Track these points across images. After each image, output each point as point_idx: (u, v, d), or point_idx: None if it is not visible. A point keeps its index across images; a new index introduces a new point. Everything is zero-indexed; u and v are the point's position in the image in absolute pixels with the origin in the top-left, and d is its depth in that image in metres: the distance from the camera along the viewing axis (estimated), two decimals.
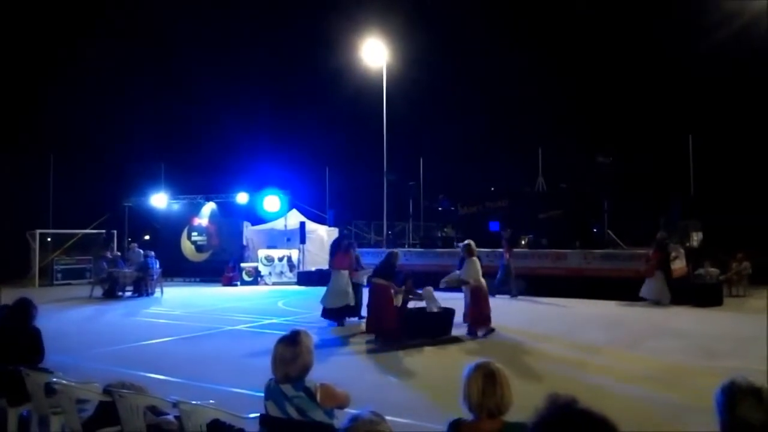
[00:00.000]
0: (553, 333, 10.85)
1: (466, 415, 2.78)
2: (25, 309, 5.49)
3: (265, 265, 21.83)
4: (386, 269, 10.52)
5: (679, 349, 9.25)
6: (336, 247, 12.60)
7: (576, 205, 19.33)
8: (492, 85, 36.02)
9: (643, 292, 14.53)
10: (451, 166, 26.27)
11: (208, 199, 24.31)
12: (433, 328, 10.25)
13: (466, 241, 11.17)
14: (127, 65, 37.44)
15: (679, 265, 16.63)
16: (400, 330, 9.95)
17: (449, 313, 10.53)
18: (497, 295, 14.59)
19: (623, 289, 15.00)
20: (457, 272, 11.00)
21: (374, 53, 23.50)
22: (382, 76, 23.50)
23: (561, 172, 23.34)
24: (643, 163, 23.98)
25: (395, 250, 11.70)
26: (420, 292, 10.83)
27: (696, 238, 18.44)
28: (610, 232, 18.81)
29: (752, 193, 22.91)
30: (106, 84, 36.83)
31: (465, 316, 10.60)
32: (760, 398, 2.19)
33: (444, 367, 8.05)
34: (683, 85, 28.97)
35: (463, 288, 10.75)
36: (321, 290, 18.88)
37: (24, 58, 33.96)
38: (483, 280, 10.74)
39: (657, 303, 14.19)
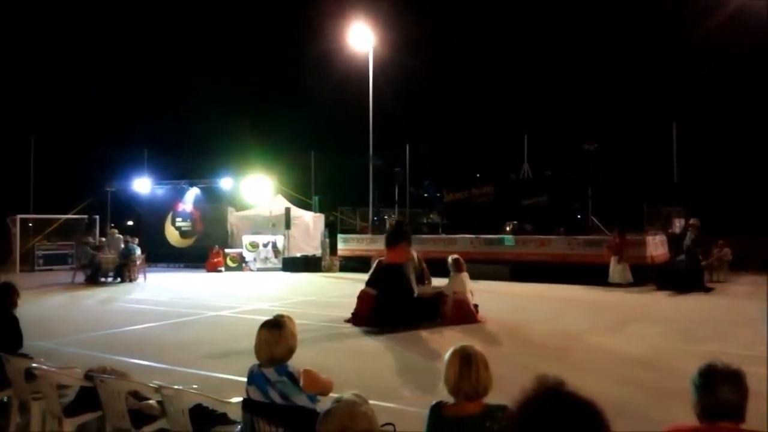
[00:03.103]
0: (537, 318, 10.94)
1: (449, 398, 2.80)
2: (7, 294, 5.39)
3: (249, 251, 21.75)
4: (375, 279, 10.56)
5: (661, 334, 9.37)
6: (401, 237, 10.34)
7: (561, 192, 19.45)
8: (478, 71, 36.02)
9: (610, 278, 15.20)
10: (436, 153, 26.25)
11: (191, 185, 24.14)
12: (422, 314, 10.19)
13: (454, 256, 11.07)
14: (110, 50, 36.91)
15: (662, 251, 16.86)
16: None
17: (437, 299, 10.54)
18: None
19: (607, 275, 15.22)
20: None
21: (361, 38, 23.34)
22: (368, 61, 23.35)
23: (546, 159, 23.45)
24: (627, 151, 24.15)
25: (383, 258, 10.94)
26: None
27: (678, 224, 18.64)
28: (594, 219, 18.96)
29: (734, 180, 23.19)
30: (89, 68, 36.31)
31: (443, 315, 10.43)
32: (737, 381, 2.22)
33: (428, 352, 8.09)
34: (668, 73, 29.17)
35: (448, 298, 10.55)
36: (305, 276, 19.01)
37: (5, 41, 33.30)
38: (470, 296, 10.52)
39: (620, 285, 14.88)
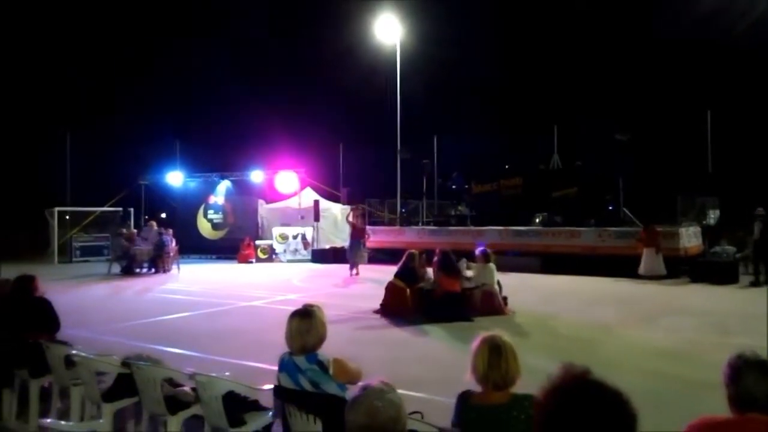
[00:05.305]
0: (567, 310, 10.85)
1: (476, 387, 2.82)
2: (25, 283, 5.66)
3: (279, 242, 21.99)
4: (406, 272, 10.65)
5: (693, 326, 9.23)
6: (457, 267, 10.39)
7: (591, 183, 19.17)
8: (507, 61, 35.62)
9: (641, 270, 14.89)
10: (465, 144, 26.09)
11: (223, 177, 24.46)
12: (451, 311, 9.93)
13: (481, 248, 11.09)
14: (143, 44, 37.48)
15: (696, 242, 16.53)
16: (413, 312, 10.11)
17: (466, 295, 10.46)
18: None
19: (638, 267, 14.99)
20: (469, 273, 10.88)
21: (388, 29, 23.28)
22: (396, 52, 23.30)
23: (577, 149, 23.14)
24: (660, 140, 23.67)
25: (414, 251, 11.06)
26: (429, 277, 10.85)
27: (713, 215, 18.25)
28: (625, 210, 18.65)
29: None
30: (123, 63, 36.96)
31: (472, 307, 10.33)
32: (767, 371, 2.20)
33: (456, 343, 8.10)
34: (702, 60, 28.46)
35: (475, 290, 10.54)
36: (335, 267, 19.12)
37: (42, 38, 34.12)
38: (496, 287, 10.54)
39: (652, 278, 14.56)
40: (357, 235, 17.07)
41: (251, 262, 21.25)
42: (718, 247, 15.84)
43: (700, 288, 13.62)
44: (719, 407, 2.35)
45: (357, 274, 16.44)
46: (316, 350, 3.37)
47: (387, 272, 11.79)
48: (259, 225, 23.38)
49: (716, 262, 14.94)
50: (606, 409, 1.52)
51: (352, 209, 18.06)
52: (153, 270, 18.22)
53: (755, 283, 13.66)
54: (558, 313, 10.55)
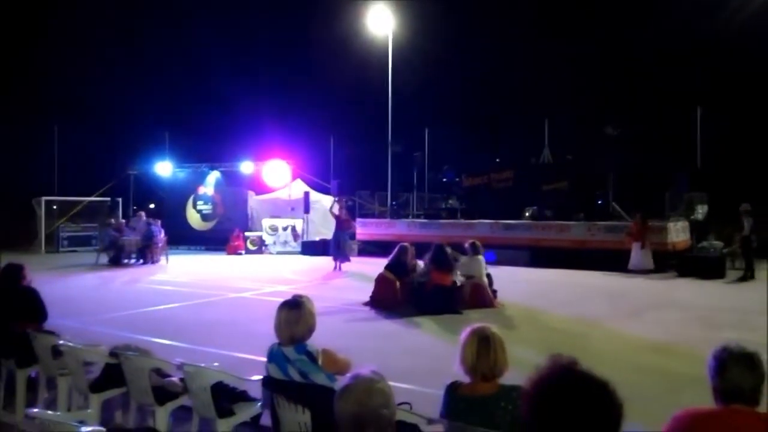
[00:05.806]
0: (556, 304, 10.91)
1: (464, 378, 2.84)
2: (13, 272, 5.67)
3: (269, 234, 21.93)
4: (397, 264, 10.66)
5: (681, 321, 9.31)
6: (451, 263, 10.30)
7: (581, 177, 19.26)
8: (499, 55, 35.62)
9: (630, 264, 14.96)
10: (456, 137, 26.10)
11: (212, 168, 24.33)
12: (441, 304, 9.93)
13: (471, 240, 11.15)
14: (132, 33, 37.14)
15: (683, 237, 16.66)
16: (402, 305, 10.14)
17: (457, 288, 10.49)
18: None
19: (627, 262, 15.09)
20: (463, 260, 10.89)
21: (380, 21, 23.19)
22: (387, 44, 23.22)
23: (567, 143, 23.20)
24: (650, 136, 23.78)
25: (406, 244, 11.06)
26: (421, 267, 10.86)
27: (701, 210, 18.37)
28: (615, 205, 18.75)
29: (759, 166, 22.75)
30: (111, 52, 36.61)
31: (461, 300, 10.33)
32: (752, 363, 2.23)
33: (445, 335, 8.13)
34: (692, 56, 28.60)
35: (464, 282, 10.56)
36: (325, 259, 19.12)
37: (28, 25, 33.68)
38: (485, 280, 10.59)
39: (640, 272, 14.62)
40: (342, 226, 17.00)
41: (240, 254, 21.18)
42: (705, 242, 15.97)
43: (688, 282, 13.73)
44: (705, 400, 2.37)
45: (339, 269, 16.18)
46: (304, 341, 3.38)
47: (377, 264, 11.79)
48: (249, 216, 23.29)
49: (703, 257, 15.05)
50: (592, 398, 1.54)
51: (336, 201, 18.01)
52: (141, 261, 18.12)
53: (744, 278, 13.78)
54: (547, 306, 10.60)
